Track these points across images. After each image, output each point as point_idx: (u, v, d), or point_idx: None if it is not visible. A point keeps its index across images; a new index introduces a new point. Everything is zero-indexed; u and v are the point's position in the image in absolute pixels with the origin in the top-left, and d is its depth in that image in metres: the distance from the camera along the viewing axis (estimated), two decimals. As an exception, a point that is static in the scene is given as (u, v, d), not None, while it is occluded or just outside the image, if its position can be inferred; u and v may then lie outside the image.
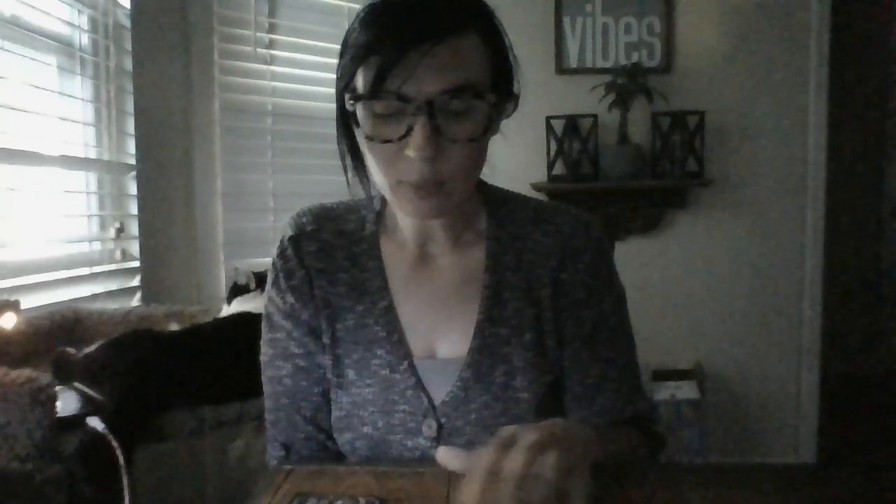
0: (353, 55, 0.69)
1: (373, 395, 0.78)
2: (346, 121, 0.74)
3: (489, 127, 0.69)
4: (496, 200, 0.83)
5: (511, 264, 0.80)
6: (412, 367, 0.78)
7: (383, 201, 0.83)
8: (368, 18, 0.68)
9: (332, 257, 0.81)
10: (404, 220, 0.80)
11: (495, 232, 0.81)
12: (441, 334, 0.79)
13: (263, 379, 0.84)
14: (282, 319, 0.81)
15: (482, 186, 0.83)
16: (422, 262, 0.81)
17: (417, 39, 0.64)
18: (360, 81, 0.68)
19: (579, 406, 0.80)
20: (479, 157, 0.72)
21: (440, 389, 0.78)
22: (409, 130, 0.65)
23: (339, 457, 0.83)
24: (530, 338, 0.78)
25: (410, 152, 0.66)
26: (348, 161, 0.79)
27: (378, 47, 0.65)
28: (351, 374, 0.79)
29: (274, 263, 0.82)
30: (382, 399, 0.78)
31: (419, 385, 0.78)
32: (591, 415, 0.80)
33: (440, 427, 0.77)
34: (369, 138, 0.69)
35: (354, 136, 0.75)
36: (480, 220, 0.82)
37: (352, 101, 0.69)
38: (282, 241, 0.82)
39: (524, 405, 0.77)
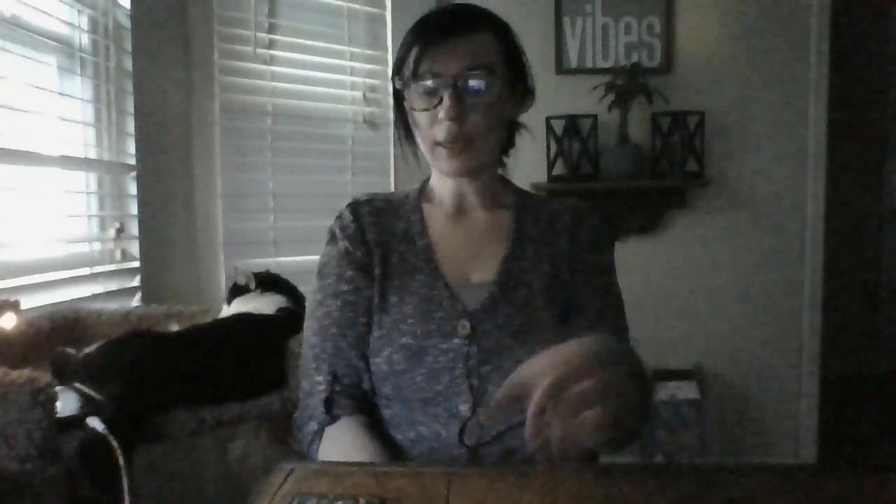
0: (402, 49, 0.93)
1: (412, 309, 0.92)
2: (399, 102, 0.97)
3: (500, 97, 0.91)
4: (520, 189, 1.05)
5: (532, 221, 0.99)
6: (447, 286, 0.93)
7: (425, 181, 1.05)
8: (416, 25, 0.93)
9: (382, 216, 1.00)
10: (442, 188, 1.01)
11: (518, 200, 1.02)
12: (472, 266, 0.96)
13: (309, 323, 0.96)
14: (334, 265, 0.96)
15: (506, 180, 1.05)
16: (457, 217, 1.00)
17: (447, 34, 0.89)
18: (406, 67, 0.91)
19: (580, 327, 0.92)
20: (495, 124, 0.92)
21: (473, 301, 0.92)
22: (441, 100, 0.89)
23: (370, 401, 0.93)
24: (548, 269, 0.95)
25: (441, 115, 0.89)
26: (402, 135, 1.00)
27: (419, 41, 0.90)
28: (394, 298, 0.93)
29: (331, 227, 1.00)
30: (421, 311, 0.91)
31: (454, 296, 0.93)
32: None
33: (473, 328, 0.90)
34: (413, 109, 0.92)
35: (407, 117, 0.96)
36: (506, 195, 1.03)
37: (400, 81, 0.93)
38: (340, 211, 1.01)
39: (543, 320, 0.91)
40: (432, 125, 0.91)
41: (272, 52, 2.11)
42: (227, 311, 1.53)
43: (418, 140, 0.96)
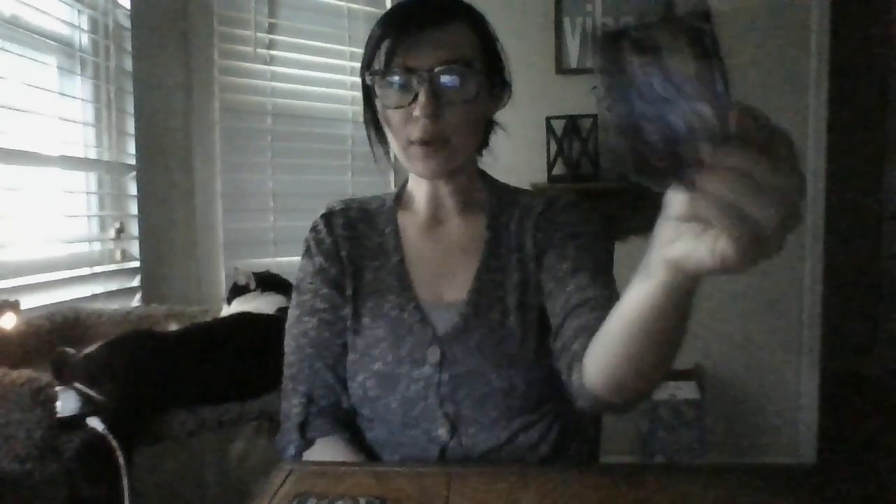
0: (372, 42, 0.86)
1: (384, 333, 0.89)
2: (369, 99, 0.90)
3: (478, 93, 0.84)
4: (496, 184, 1.00)
5: (505, 223, 0.94)
6: (419, 307, 0.90)
7: (402, 185, 1.00)
8: (385, 16, 0.86)
9: (356, 227, 0.96)
10: (418, 191, 0.95)
11: (494, 201, 0.96)
12: (446, 283, 0.92)
13: (287, 341, 0.94)
14: (310, 281, 0.93)
15: (484, 175, 1.00)
16: (432, 227, 0.95)
17: (420, 26, 0.82)
18: (377, 61, 0.85)
19: (556, 288, 0.86)
20: (473, 122, 0.87)
21: (444, 325, 0.88)
22: (416, 97, 0.82)
23: (350, 420, 0.91)
24: (519, 276, 0.90)
25: (416, 112, 0.82)
26: (372, 134, 0.94)
27: (390, 34, 0.83)
28: (366, 320, 0.90)
29: (306, 239, 0.96)
30: (393, 335, 0.88)
31: (425, 320, 0.89)
32: (565, 294, 0.84)
33: (443, 354, 0.86)
34: (386, 107, 0.85)
35: (377, 113, 0.89)
36: (482, 195, 0.97)
37: (370, 77, 0.86)
38: (314, 222, 0.97)
39: (517, 339, 0.87)
40: (406, 123, 0.84)
41: (272, 52, 2.11)
42: (227, 311, 1.53)
43: (390, 139, 0.89)
